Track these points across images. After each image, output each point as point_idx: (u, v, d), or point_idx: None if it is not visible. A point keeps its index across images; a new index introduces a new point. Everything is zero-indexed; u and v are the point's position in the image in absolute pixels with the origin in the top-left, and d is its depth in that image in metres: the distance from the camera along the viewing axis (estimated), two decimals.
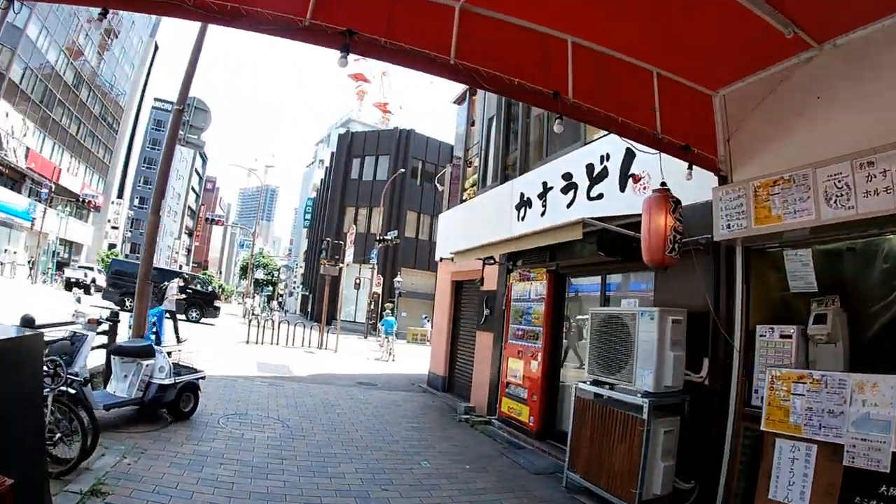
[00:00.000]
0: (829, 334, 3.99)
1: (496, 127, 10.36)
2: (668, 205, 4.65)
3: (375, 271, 31.70)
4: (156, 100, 68.33)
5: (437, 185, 13.28)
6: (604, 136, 6.97)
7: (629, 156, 6.23)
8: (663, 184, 4.79)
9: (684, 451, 4.78)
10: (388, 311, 21.54)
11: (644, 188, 6.00)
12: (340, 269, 21.26)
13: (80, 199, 45.56)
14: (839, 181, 3.63)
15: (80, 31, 43.81)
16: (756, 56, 4.31)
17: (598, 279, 6.94)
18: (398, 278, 31.89)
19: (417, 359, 17.35)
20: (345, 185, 39.99)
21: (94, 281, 30.65)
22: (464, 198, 11.12)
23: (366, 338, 27.63)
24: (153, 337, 9.89)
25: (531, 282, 7.84)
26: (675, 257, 4.68)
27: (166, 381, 6.12)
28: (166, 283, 14.36)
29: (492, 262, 8.42)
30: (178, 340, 12.95)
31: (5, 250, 33.40)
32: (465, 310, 11.02)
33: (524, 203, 8.36)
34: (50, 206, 39.01)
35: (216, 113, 9.76)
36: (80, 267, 36.85)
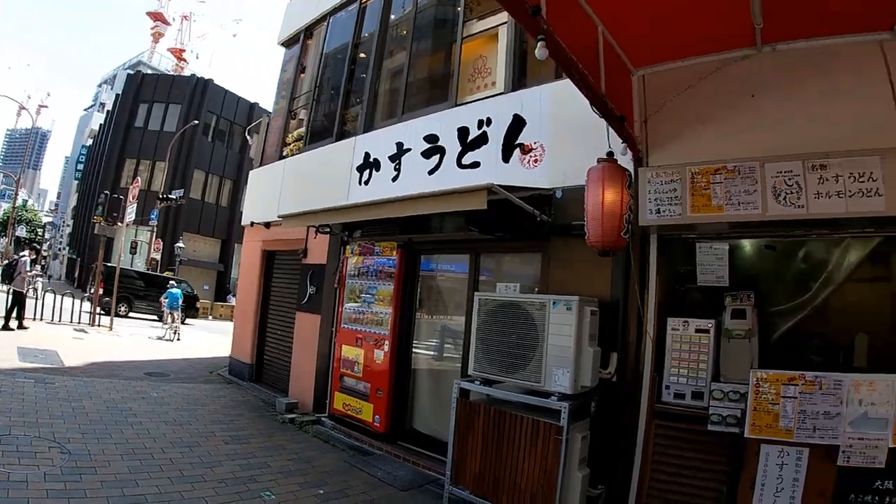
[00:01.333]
0: (748, 330, 3.90)
1: (335, 75, 8.72)
2: (624, 178, 3.77)
3: (154, 235, 27.06)
4: None
5: (248, 136, 11.04)
6: (482, 97, 5.98)
7: (518, 123, 5.29)
8: (610, 153, 3.88)
9: (593, 454, 4.17)
10: (171, 281, 18.06)
11: (535, 161, 5.11)
12: (117, 229, 17.19)
13: None
14: (790, 179, 3.58)
15: None
16: (687, 42, 3.98)
17: (464, 258, 5.87)
18: (179, 244, 27.82)
19: (206, 338, 14.85)
20: (127, 134, 33.59)
21: None
22: (284, 153, 9.22)
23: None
24: None
25: (375, 257, 6.50)
26: (627, 239, 3.84)
27: None
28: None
29: (327, 230, 6.87)
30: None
31: None
32: (280, 285, 9.14)
33: (369, 165, 6.95)
34: None
35: None
36: None
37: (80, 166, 46.62)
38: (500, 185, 4.20)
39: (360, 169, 7.04)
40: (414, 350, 6.27)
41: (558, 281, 4.81)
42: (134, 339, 14.20)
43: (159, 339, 14.83)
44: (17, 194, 40.48)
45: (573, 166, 4.71)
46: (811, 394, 3.12)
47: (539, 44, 2.49)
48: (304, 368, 7.64)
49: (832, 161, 3.51)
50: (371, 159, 6.95)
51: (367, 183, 6.90)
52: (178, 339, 14.88)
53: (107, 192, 19.05)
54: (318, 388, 7.24)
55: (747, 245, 4.52)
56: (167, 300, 15.71)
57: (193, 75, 37.11)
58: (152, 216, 25.93)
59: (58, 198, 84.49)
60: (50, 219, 72.00)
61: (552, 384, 3.99)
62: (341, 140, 7.78)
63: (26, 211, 61.85)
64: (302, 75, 9.76)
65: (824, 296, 4.44)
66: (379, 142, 6.93)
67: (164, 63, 71.35)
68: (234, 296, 20.77)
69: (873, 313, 5.22)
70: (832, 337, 4.92)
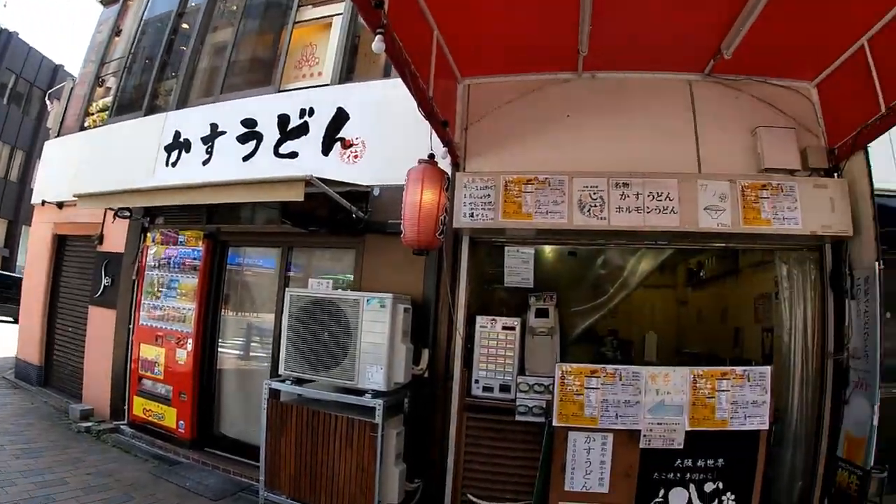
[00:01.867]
0: (550, 328, 4.29)
1: (153, 43, 7.71)
2: (443, 180, 3.71)
3: None
4: None
5: (48, 102, 9.49)
6: (307, 86, 5.60)
7: (341, 116, 5.06)
8: (431, 155, 3.76)
9: (408, 449, 4.22)
10: None
11: (355, 157, 4.89)
12: None
13: None
14: (595, 193, 3.98)
15: None
16: (515, 59, 4.27)
17: (275, 252, 5.43)
18: None
19: None
20: None
21: None
22: (86, 125, 7.97)
23: None
24: None
25: (179, 246, 5.78)
26: (442, 240, 3.81)
27: None
28: None
29: (127, 214, 6.01)
30: None
31: None
32: (72, 276, 7.79)
33: (180, 145, 6.19)
34: None
35: None
36: None
37: None
38: (319, 178, 3.93)
39: (169, 149, 6.25)
40: (220, 349, 5.68)
41: (372, 278, 4.70)
42: None
43: None
44: None
45: (392, 165, 4.62)
46: (612, 385, 3.36)
47: (377, 37, 2.41)
48: (98, 370, 6.60)
49: (634, 180, 3.95)
50: (182, 139, 6.20)
51: (174, 164, 6.14)
52: None
53: None
54: (115, 392, 6.29)
55: (552, 251, 4.92)
56: None
57: None
58: None
59: None
60: None
61: (366, 381, 3.96)
62: (151, 115, 6.87)
63: None
64: (116, 39, 8.54)
65: (620, 298, 4.90)
66: (192, 121, 6.20)
67: None
68: None
69: (660, 314, 6.07)
70: (625, 334, 5.55)
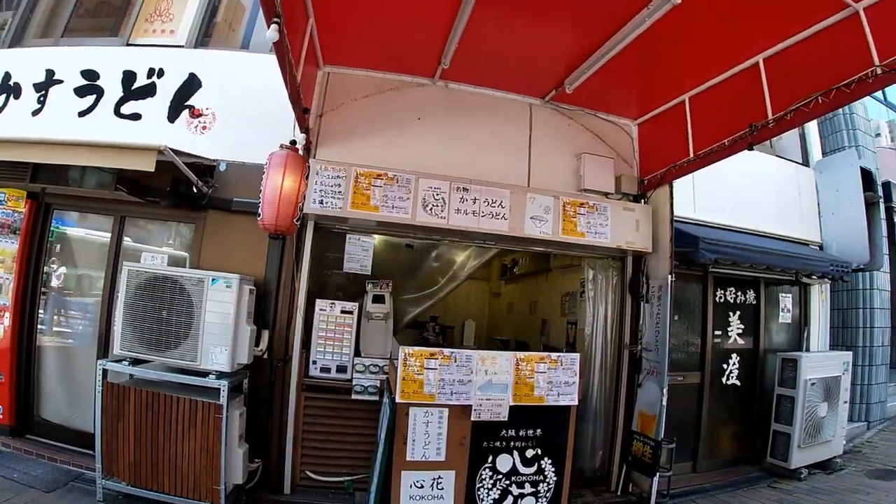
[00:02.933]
0: (386, 313, 4.68)
1: None
2: (304, 168, 3.83)
3: None
4: None
5: None
6: (159, 44, 5.37)
7: (193, 83, 4.96)
8: (293, 142, 3.86)
9: (248, 429, 4.26)
10: None
11: (203, 128, 4.83)
12: None
13: None
14: (437, 194, 4.46)
15: None
16: (376, 56, 4.58)
17: (107, 220, 5.14)
18: None
19: None
20: None
21: None
22: None
23: None
24: None
25: None
26: (297, 225, 3.97)
27: None
28: None
29: None
30: None
31: None
32: None
33: (8, 89, 5.60)
34: None
35: None
36: None
37: None
38: (171, 150, 3.87)
39: None
40: (41, 325, 5.27)
41: (212, 256, 4.68)
42: None
43: None
44: None
45: (242, 141, 4.76)
46: (448, 366, 3.72)
47: (273, 26, 2.48)
48: None
49: (474, 186, 4.53)
50: (11, 82, 5.61)
51: (0, 110, 5.57)
52: None
53: None
54: None
55: (389, 241, 5.31)
56: None
57: None
58: None
59: None
60: None
61: (209, 363, 3.96)
62: None
63: None
64: None
65: (448, 289, 5.37)
66: (26, 63, 5.61)
67: None
68: None
69: (476, 304, 6.84)
70: (445, 321, 6.11)
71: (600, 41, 3.79)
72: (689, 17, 3.30)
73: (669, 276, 4.67)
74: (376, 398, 4.41)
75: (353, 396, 4.43)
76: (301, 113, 3.91)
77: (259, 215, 3.72)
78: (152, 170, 3.84)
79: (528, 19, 3.65)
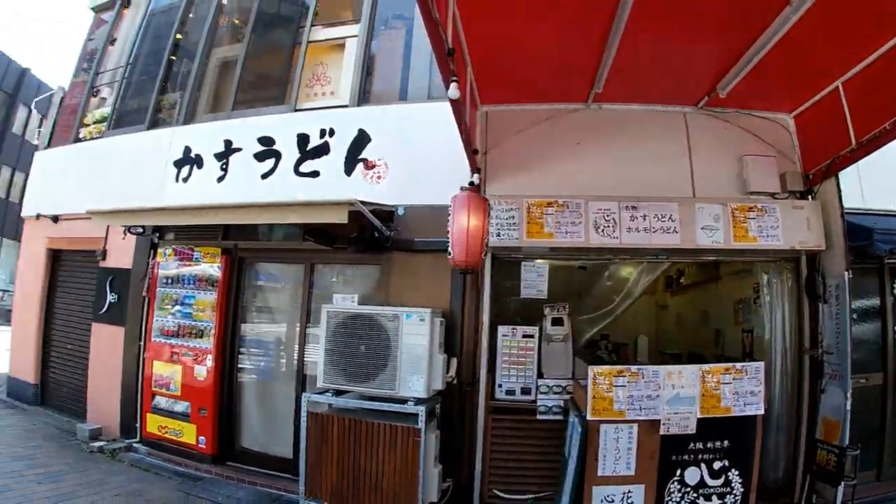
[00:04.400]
0: (565, 335, 4.96)
1: (153, 54, 8.02)
2: (486, 206, 4.24)
3: None
4: None
5: (35, 109, 9.61)
6: (324, 106, 6.14)
7: (363, 138, 5.60)
8: (472, 182, 4.31)
9: (440, 450, 4.71)
10: None
11: (378, 178, 5.43)
12: None
13: None
14: (607, 216, 4.77)
15: None
16: (531, 91, 4.85)
17: (297, 268, 5.91)
18: None
19: None
20: None
21: None
22: (81, 136, 8.22)
23: None
24: None
25: (195, 263, 6.20)
26: (484, 259, 4.46)
27: None
28: None
29: (140, 231, 6.33)
30: None
31: None
32: (70, 291, 8.03)
33: (190, 160, 6.57)
34: None
35: None
36: None
37: None
38: (360, 201, 4.48)
39: (179, 164, 6.64)
40: (240, 364, 6.11)
41: (398, 293, 5.23)
42: None
43: None
44: None
45: (416, 185, 5.32)
46: (636, 382, 3.92)
47: (452, 84, 2.84)
48: (105, 388, 6.87)
49: (641, 203, 4.78)
50: (192, 155, 6.60)
51: (186, 180, 6.54)
52: None
53: None
54: (125, 410, 6.58)
55: (563, 264, 5.50)
56: None
57: None
58: None
59: None
60: None
61: (406, 390, 4.47)
62: (155, 129, 7.25)
63: None
64: (111, 48, 8.83)
65: (623, 307, 5.61)
66: (203, 137, 6.62)
67: None
68: None
69: (644, 318, 6.92)
70: (616, 338, 6.30)
71: (749, 42, 3.90)
72: (829, 2, 3.33)
73: (846, 274, 4.63)
74: (560, 417, 4.75)
75: (538, 416, 4.80)
76: (472, 154, 4.35)
77: (449, 254, 4.16)
78: (346, 221, 4.45)
79: (677, 31, 3.81)
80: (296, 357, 5.73)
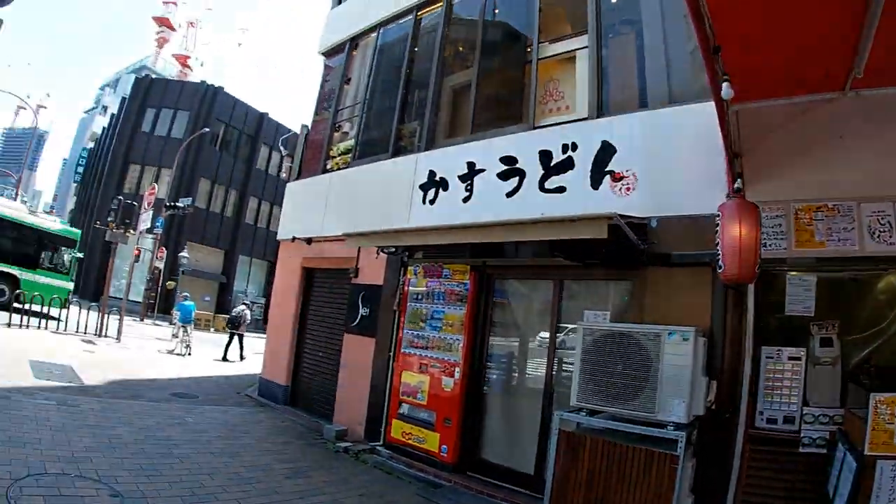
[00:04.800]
0: (834, 357, 4.41)
1: (387, 88, 9.02)
2: (757, 213, 4.08)
3: (158, 243, 27.08)
4: None
5: (282, 148, 11.20)
6: (562, 121, 6.40)
7: (607, 149, 5.68)
8: (738, 189, 4.18)
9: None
10: (184, 293, 17.78)
11: (627, 189, 5.44)
12: (129, 236, 17.03)
13: None
14: (882, 218, 4.21)
15: None
16: (780, 82, 4.25)
17: (544, 284, 6.20)
18: (184, 253, 27.87)
19: (215, 352, 15.48)
20: (133, 138, 33.54)
21: None
22: (328, 167, 9.47)
23: (142, 320, 23.95)
24: None
25: (444, 280, 6.82)
26: (758, 273, 4.15)
27: None
28: None
29: (391, 251, 6.95)
30: None
31: None
32: (322, 305, 9.45)
33: (435, 183, 7.26)
34: None
35: None
36: None
37: (80, 169, 46.80)
38: (619, 215, 4.54)
39: (425, 188, 7.31)
40: (486, 377, 6.54)
41: (653, 310, 5.14)
42: (144, 352, 14.36)
43: (169, 352, 15.02)
44: (17, 194, 40.99)
45: (667, 196, 5.20)
46: None
47: (724, 84, 2.91)
48: (353, 393, 7.83)
49: None
50: (437, 178, 7.23)
51: (432, 202, 7.20)
52: (190, 354, 15.04)
53: (120, 197, 18.70)
54: (370, 414, 7.51)
55: (830, 277, 4.88)
56: (179, 313, 15.80)
57: (203, 82, 37.50)
58: (158, 224, 25.97)
59: (54, 200, 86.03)
60: None
61: (666, 414, 4.30)
62: (398, 156, 8.15)
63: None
64: (346, 87, 10.07)
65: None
66: (445, 160, 7.30)
67: (169, 69, 73.41)
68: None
69: None
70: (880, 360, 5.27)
71: None
72: None
73: None
74: (823, 451, 4.23)
75: (801, 449, 4.30)
76: (731, 158, 4.20)
77: (720, 267, 4.01)
78: (605, 236, 4.57)
79: None
80: (542, 373, 6.00)
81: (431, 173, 7.30)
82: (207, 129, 31.48)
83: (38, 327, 13.38)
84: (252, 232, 36.89)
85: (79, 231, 21.03)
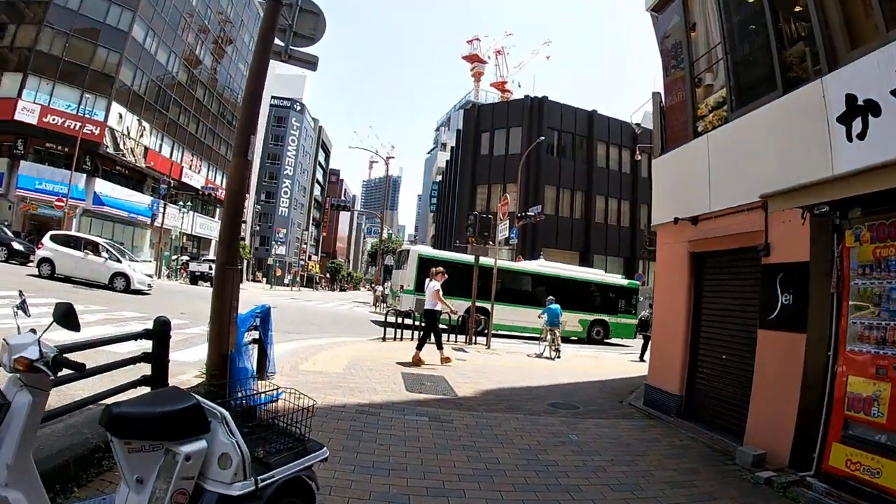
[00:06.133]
0: None
1: (749, 16, 7.23)
2: None
3: (515, 252, 29.17)
4: (273, 97, 71.86)
5: (634, 125, 10.22)
6: None
7: None
8: None
9: None
10: (550, 297, 18.16)
11: None
12: (489, 248, 18.51)
13: (201, 194, 48.05)
14: None
15: (190, 33, 45.79)
16: None
17: None
18: (540, 259, 29.28)
19: (580, 353, 15.78)
20: (475, 163, 38.63)
21: None
22: (699, 129, 7.97)
23: None
24: (249, 363, 6.00)
25: None
26: None
27: (237, 488, 2.47)
28: None
29: (825, 210, 5.23)
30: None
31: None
32: (719, 296, 7.76)
33: (860, 109, 5.15)
34: (171, 203, 41.11)
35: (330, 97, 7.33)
36: (205, 260, 37.72)
37: (434, 200, 55.07)
38: None
39: (844, 119, 5.29)
40: None
41: None
42: (513, 357, 14.54)
43: (538, 356, 15.10)
44: (382, 227, 50.74)
45: None
46: None
47: None
48: (772, 406, 6.02)
49: None
50: (859, 102, 5.16)
51: (861, 136, 5.12)
52: (559, 358, 14.88)
53: (475, 212, 20.82)
54: (799, 434, 5.54)
55: None
56: (546, 316, 15.93)
57: (527, 96, 40.15)
58: (513, 235, 27.89)
59: (415, 231, 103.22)
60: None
61: None
62: (792, 90, 6.13)
63: (392, 242, 74.51)
64: (693, 34, 8.47)
65: None
66: (863, 77, 5.16)
67: (490, 98, 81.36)
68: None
69: None
70: None
71: None
72: None
73: None
74: None
75: None
76: None
77: None
78: None
79: None
80: None
81: (851, 98, 5.23)
82: (542, 138, 33.09)
83: (411, 339, 13.97)
84: (603, 230, 37.59)
85: (637, 282, 27.07)
